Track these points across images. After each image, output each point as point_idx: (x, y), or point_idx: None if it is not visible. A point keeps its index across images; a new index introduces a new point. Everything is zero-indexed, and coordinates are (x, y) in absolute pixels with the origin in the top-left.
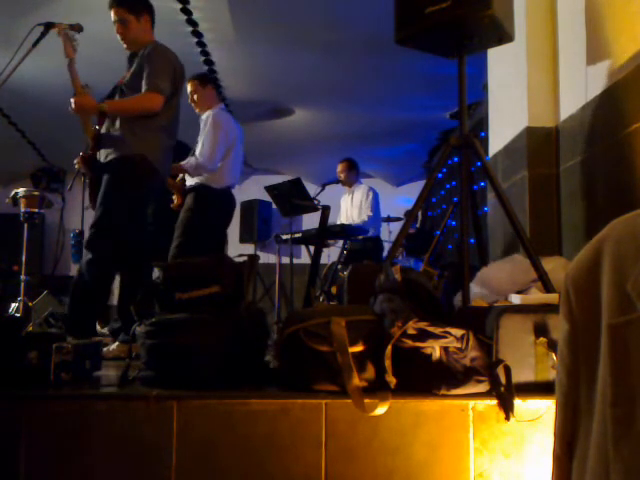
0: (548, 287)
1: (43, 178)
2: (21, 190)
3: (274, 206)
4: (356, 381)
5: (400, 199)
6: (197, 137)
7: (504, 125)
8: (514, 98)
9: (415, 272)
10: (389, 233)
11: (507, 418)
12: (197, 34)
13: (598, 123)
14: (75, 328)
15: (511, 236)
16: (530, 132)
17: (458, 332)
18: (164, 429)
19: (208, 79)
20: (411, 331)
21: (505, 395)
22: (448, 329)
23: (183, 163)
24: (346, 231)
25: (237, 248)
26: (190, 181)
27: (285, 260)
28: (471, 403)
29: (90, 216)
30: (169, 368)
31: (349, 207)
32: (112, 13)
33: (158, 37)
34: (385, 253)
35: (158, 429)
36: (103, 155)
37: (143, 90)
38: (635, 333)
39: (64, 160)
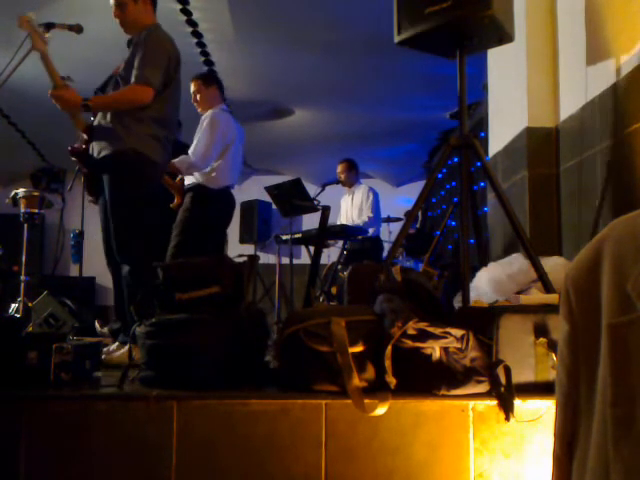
0: (548, 287)
1: (43, 178)
2: (21, 190)
3: (274, 206)
4: (356, 381)
5: (400, 199)
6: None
7: (504, 125)
8: (514, 98)
9: (415, 272)
10: (389, 233)
11: (507, 418)
12: (197, 34)
13: (598, 123)
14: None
15: (511, 236)
16: (530, 132)
17: (458, 332)
18: (164, 429)
19: (212, 79)
20: (411, 331)
21: (505, 395)
22: (448, 329)
23: (176, 160)
24: (346, 231)
25: (237, 248)
26: (188, 181)
27: (285, 260)
28: (471, 403)
29: (90, 216)
30: (169, 368)
31: (349, 207)
32: None
33: None
34: (385, 253)
35: (158, 429)
36: (96, 149)
37: (132, 81)
38: (635, 333)
39: (64, 160)
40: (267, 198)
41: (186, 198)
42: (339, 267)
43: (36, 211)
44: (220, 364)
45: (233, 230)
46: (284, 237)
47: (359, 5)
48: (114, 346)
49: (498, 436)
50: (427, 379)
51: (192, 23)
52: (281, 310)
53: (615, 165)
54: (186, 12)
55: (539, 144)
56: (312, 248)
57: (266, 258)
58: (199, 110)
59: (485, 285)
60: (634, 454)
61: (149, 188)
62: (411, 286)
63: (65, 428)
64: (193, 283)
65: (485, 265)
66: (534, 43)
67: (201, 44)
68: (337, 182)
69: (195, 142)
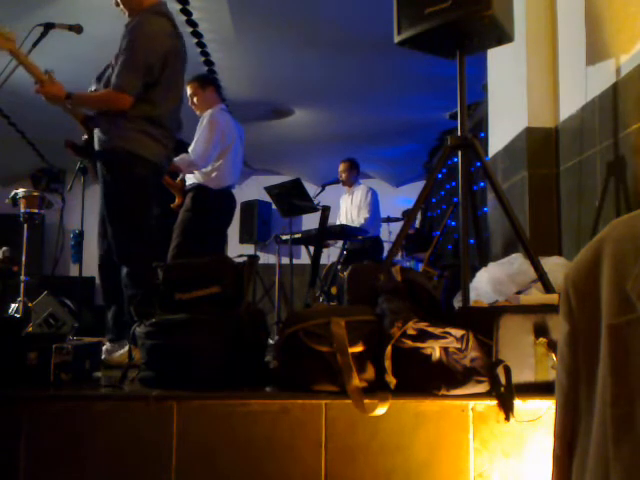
0: (548, 287)
1: (43, 178)
2: (21, 190)
3: (274, 207)
4: (356, 381)
5: (400, 199)
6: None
7: (504, 125)
8: (514, 98)
9: (415, 272)
10: (389, 233)
11: (507, 418)
12: (197, 34)
13: (598, 123)
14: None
15: (511, 236)
16: (530, 132)
17: (458, 332)
18: (164, 429)
19: (208, 80)
20: (411, 331)
21: (505, 395)
22: (448, 329)
23: (176, 159)
24: (346, 231)
25: (237, 248)
26: (189, 181)
27: (285, 260)
28: (471, 403)
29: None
30: (169, 368)
31: (349, 207)
32: None
33: None
34: (385, 253)
35: (158, 429)
36: (95, 141)
37: (111, 85)
38: (635, 333)
39: (64, 160)
40: (267, 198)
41: (187, 198)
42: (339, 267)
43: (36, 211)
44: (220, 364)
45: (233, 230)
46: (284, 237)
47: (359, 5)
48: (108, 345)
49: (498, 436)
50: (427, 379)
51: (192, 23)
52: (281, 310)
53: (615, 165)
54: (186, 12)
55: (539, 144)
56: (312, 248)
57: (266, 258)
58: (197, 113)
59: (485, 285)
60: (634, 454)
61: (141, 186)
62: (411, 286)
63: (65, 428)
64: (193, 283)
65: (485, 265)
66: (534, 43)
67: (201, 44)
68: (337, 182)
69: (195, 141)
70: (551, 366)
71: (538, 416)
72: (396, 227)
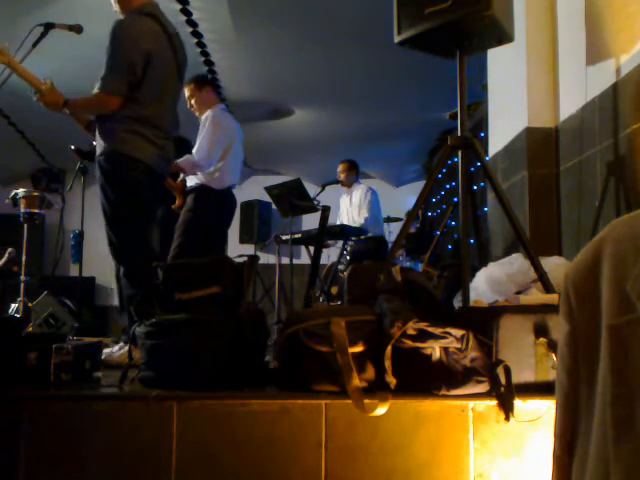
0: (548, 287)
1: (43, 178)
2: (21, 190)
3: (274, 206)
4: (356, 381)
5: (400, 199)
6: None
7: (504, 125)
8: (514, 98)
9: (415, 272)
10: (389, 233)
11: (507, 418)
12: (197, 34)
13: (598, 123)
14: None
15: (511, 236)
16: (530, 132)
17: (458, 332)
18: (164, 430)
19: (204, 81)
20: (411, 331)
21: (505, 395)
22: (448, 329)
23: (180, 160)
24: (345, 231)
25: (237, 248)
26: (191, 182)
27: (285, 260)
28: (471, 403)
29: (90, 216)
30: (169, 368)
31: (349, 208)
32: None
33: None
34: None
35: (158, 430)
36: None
37: (96, 89)
38: (635, 333)
39: (64, 160)
40: (267, 198)
41: (188, 199)
42: (340, 267)
43: (36, 211)
44: (220, 364)
45: (233, 230)
46: (284, 237)
47: (359, 5)
48: (122, 345)
49: (498, 436)
50: (427, 379)
51: (192, 23)
52: (281, 310)
53: (615, 165)
54: (186, 12)
55: (539, 144)
56: (312, 248)
57: (266, 258)
58: (197, 114)
59: (485, 285)
60: (634, 454)
61: (134, 188)
62: (411, 286)
63: (65, 428)
64: (193, 283)
65: (485, 265)
66: (534, 43)
67: (201, 44)
68: (337, 182)
69: (198, 142)
70: (551, 366)
71: (538, 416)
72: (396, 227)
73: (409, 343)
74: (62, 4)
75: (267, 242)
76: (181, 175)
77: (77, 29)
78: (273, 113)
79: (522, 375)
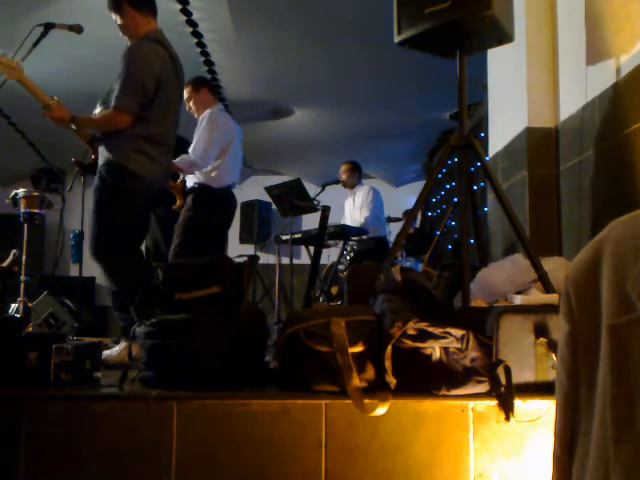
0: (548, 287)
1: (43, 178)
2: (21, 190)
3: (274, 206)
4: (356, 381)
5: (400, 199)
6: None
7: (504, 125)
8: (514, 98)
9: (415, 272)
10: (389, 233)
11: (507, 418)
12: (197, 34)
13: (598, 123)
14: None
15: (511, 236)
16: (530, 132)
17: (458, 332)
18: (164, 430)
19: (201, 82)
20: (411, 331)
21: (505, 395)
22: (448, 329)
23: (177, 160)
24: (346, 232)
25: (237, 248)
26: (190, 182)
27: (285, 260)
28: (471, 403)
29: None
30: (169, 368)
31: (352, 209)
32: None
33: None
34: None
35: (158, 430)
36: (99, 159)
37: (111, 106)
38: (635, 333)
39: (64, 161)
40: (267, 198)
41: (188, 199)
42: (340, 267)
43: (36, 211)
44: (220, 364)
45: (233, 230)
46: (284, 237)
47: (358, 5)
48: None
49: (498, 436)
50: (427, 379)
51: (192, 23)
52: (281, 310)
53: (615, 165)
54: (186, 12)
55: (539, 144)
56: (312, 248)
57: (266, 258)
58: (196, 116)
59: (485, 285)
60: (634, 454)
61: (132, 198)
62: (411, 286)
63: (65, 428)
64: (193, 283)
65: (485, 265)
66: (534, 43)
67: (201, 44)
68: (337, 182)
69: (195, 141)
70: (551, 366)
71: (538, 416)
72: (396, 227)
73: (409, 343)
74: (62, 4)
75: (267, 242)
76: (181, 176)
77: (77, 29)
78: (273, 113)
79: (522, 375)
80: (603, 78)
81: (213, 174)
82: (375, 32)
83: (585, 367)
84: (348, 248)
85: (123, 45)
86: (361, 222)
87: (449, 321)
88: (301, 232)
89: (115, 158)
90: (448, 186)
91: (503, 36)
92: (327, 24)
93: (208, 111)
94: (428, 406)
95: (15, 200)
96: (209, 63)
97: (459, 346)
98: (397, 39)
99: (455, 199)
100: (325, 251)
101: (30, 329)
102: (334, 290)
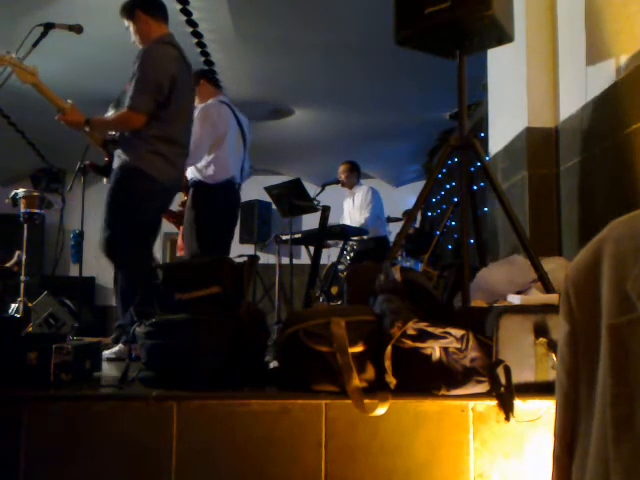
0: (548, 287)
1: (43, 178)
2: (21, 190)
3: (274, 206)
4: (356, 381)
5: (400, 199)
6: None
7: (504, 125)
8: (514, 98)
9: (415, 272)
10: (389, 233)
11: (507, 418)
12: (197, 34)
13: (598, 123)
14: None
15: (511, 236)
16: (530, 132)
17: (458, 332)
18: (164, 430)
19: (199, 75)
20: (411, 331)
21: (505, 395)
22: (448, 329)
23: None
24: (346, 232)
25: (237, 248)
26: (188, 177)
27: (285, 260)
28: (471, 403)
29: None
30: (169, 368)
31: (351, 210)
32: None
33: None
34: None
35: (158, 430)
36: (114, 161)
37: (125, 106)
38: (635, 333)
39: (64, 160)
40: (267, 198)
41: (189, 196)
42: (340, 267)
43: (36, 211)
44: (220, 364)
45: None
46: (284, 237)
47: (358, 5)
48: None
49: (498, 436)
50: (427, 379)
51: (192, 23)
52: (281, 310)
53: (615, 165)
54: (186, 12)
55: (539, 144)
56: (312, 248)
57: (266, 258)
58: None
59: (484, 285)
60: (634, 454)
61: (145, 203)
62: (411, 286)
63: (65, 428)
64: (193, 283)
65: (485, 265)
66: (534, 43)
67: (201, 44)
68: (337, 182)
69: None
70: (551, 366)
71: (538, 416)
72: (396, 227)
73: (409, 343)
74: (62, 4)
75: (267, 242)
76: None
77: (77, 29)
78: (273, 113)
79: (522, 375)
80: (603, 78)
81: (208, 168)
82: (375, 32)
83: (585, 367)
84: (348, 248)
85: (123, 45)
86: (361, 222)
87: (449, 321)
88: (301, 232)
89: (131, 161)
90: (448, 186)
91: (503, 36)
92: (327, 24)
93: (200, 106)
94: (428, 406)
95: (15, 200)
96: (209, 63)
97: (459, 346)
98: (397, 39)
99: (455, 199)
100: (325, 251)
101: (30, 329)
102: (334, 290)
